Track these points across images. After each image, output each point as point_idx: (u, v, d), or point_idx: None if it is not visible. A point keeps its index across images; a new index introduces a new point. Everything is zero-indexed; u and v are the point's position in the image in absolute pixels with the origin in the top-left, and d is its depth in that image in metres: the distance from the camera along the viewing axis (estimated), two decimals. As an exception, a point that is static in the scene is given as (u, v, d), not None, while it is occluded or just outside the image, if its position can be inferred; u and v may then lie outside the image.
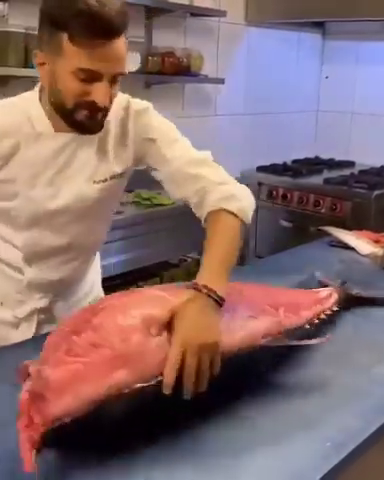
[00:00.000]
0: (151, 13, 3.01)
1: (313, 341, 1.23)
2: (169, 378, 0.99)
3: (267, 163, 3.79)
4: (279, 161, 3.86)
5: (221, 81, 3.32)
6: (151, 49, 3.02)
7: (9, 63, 2.36)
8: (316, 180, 3.50)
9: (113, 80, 1.23)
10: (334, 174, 3.60)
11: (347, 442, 1.03)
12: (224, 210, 1.33)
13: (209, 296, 1.10)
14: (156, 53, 3.00)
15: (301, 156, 4.05)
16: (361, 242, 2.13)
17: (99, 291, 1.71)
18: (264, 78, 3.79)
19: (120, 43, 1.21)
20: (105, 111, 1.26)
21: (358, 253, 2.11)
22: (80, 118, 1.26)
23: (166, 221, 2.79)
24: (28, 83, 2.49)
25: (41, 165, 1.34)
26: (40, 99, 1.33)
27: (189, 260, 3.16)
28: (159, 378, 0.99)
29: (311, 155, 4.14)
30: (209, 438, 1.02)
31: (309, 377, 1.23)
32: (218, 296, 1.11)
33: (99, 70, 1.19)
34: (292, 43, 3.97)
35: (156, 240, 2.80)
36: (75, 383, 0.93)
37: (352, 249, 2.13)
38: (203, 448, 1.00)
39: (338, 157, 4.01)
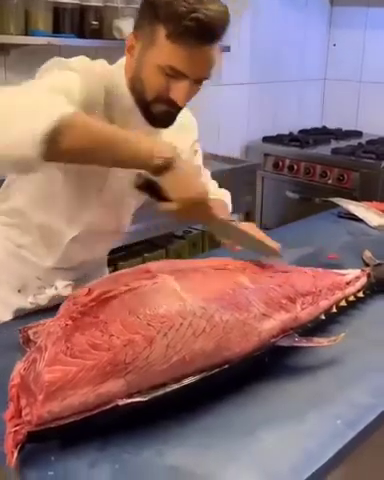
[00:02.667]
0: (154, -22, 2.92)
1: (324, 343, 1.15)
2: None
3: (273, 133, 3.73)
4: (285, 131, 3.80)
5: (226, 49, 3.24)
6: (154, 16, 2.93)
7: (9, 31, 2.29)
8: (323, 150, 3.44)
9: (198, 81, 1.23)
10: (342, 144, 3.54)
11: (358, 420, 1.01)
12: None
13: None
14: (160, 20, 2.92)
15: (308, 126, 3.98)
16: (371, 213, 2.09)
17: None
18: (270, 46, 3.70)
19: (215, 48, 1.20)
20: (180, 109, 1.26)
21: (367, 225, 2.07)
22: (156, 111, 1.25)
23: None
24: (30, 51, 2.46)
25: None
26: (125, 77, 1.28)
27: (194, 232, 3.13)
28: (156, 393, 0.94)
29: (318, 125, 4.07)
30: (220, 415, 1.00)
31: (320, 353, 1.20)
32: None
33: (187, 72, 1.18)
34: (299, 9, 3.86)
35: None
36: (65, 387, 0.88)
37: (361, 221, 2.09)
38: (214, 425, 0.98)
39: (346, 127, 3.94)
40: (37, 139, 0.93)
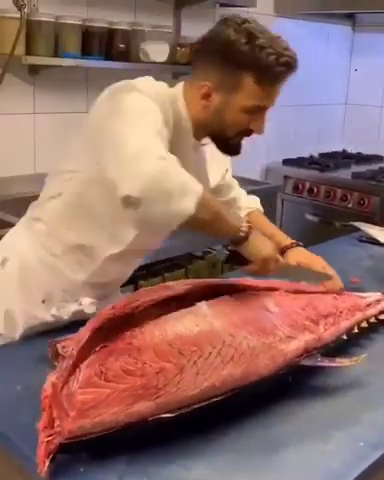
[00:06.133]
0: (180, 3, 2.98)
1: (346, 363, 1.17)
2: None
3: (293, 156, 3.76)
4: (306, 154, 3.82)
5: (249, 73, 3.29)
6: (180, 39, 2.99)
7: (39, 52, 2.35)
8: (344, 174, 3.46)
9: None
10: (362, 168, 3.56)
11: (381, 442, 1.02)
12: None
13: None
14: (185, 44, 2.97)
15: (328, 150, 4.01)
16: (392, 238, 2.10)
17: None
18: (292, 70, 3.74)
19: None
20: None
21: (389, 249, 2.08)
22: (234, 143, 1.38)
23: (192, 213, 2.76)
24: (58, 71, 2.52)
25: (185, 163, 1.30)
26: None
27: (214, 252, 3.14)
28: (183, 410, 0.96)
29: (338, 149, 4.09)
30: (245, 433, 1.02)
31: (343, 375, 1.21)
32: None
33: (270, 105, 1.33)
34: (321, 35, 3.91)
35: (181, 232, 2.77)
36: (97, 407, 0.91)
37: (382, 245, 2.10)
38: (239, 443, 1.00)
39: (366, 151, 3.96)
40: (184, 218, 1.11)
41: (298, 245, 1.64)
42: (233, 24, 1.27)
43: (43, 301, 1.41)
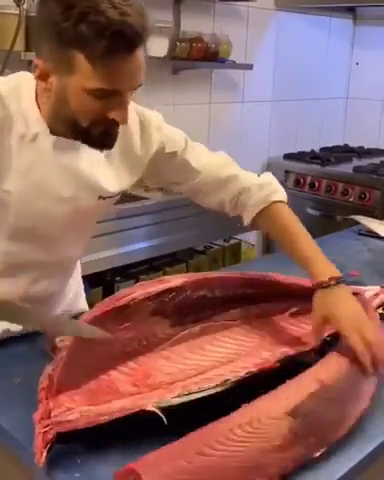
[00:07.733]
0: (179, -3, 2.97)
1: None
2: (367, 360, 1.07)
3: (294, 151, 3.76)
4: (307, 149, 3.83)
5: (249, 67, 3.29)
6: (179, 34, 2.99)
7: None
8: (345, 168, 3.46)
9: (131, 90, 1.10)
10: (363, 162, 3.56)
11: (377, 433, 1.02)
12: (276, 202, 1.38)
13: (338, 283, 1.19)
14: (184, 38, 2.97)
15: (329, 144, 4.01)
16: (392, 231, 2.10)
17: (83, 305, 1.57)
18: (293, 64, 3.74)
19: (139, 52, 1.04)
20: (121, 126, 1.14)
21: (388, 242, 2.08)
22: (95, 134, 1.11)
23: (193, 208, 2.74)
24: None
25: (40, 172, 1.17)
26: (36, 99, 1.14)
27: (215, 247, 3.16)
28: (178, 400, 0.98)
29: (340, 143, 4.09)
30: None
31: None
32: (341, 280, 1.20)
33: (121, 88, 1.06)
34: (322, 28, 3.91)
35: (182, 227, 2.79)
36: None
37: (382, 239, 2.10)
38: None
39: (368, 145, 3.96)
40: None
41: (340, 282, 1.20)
42: None
43: None
